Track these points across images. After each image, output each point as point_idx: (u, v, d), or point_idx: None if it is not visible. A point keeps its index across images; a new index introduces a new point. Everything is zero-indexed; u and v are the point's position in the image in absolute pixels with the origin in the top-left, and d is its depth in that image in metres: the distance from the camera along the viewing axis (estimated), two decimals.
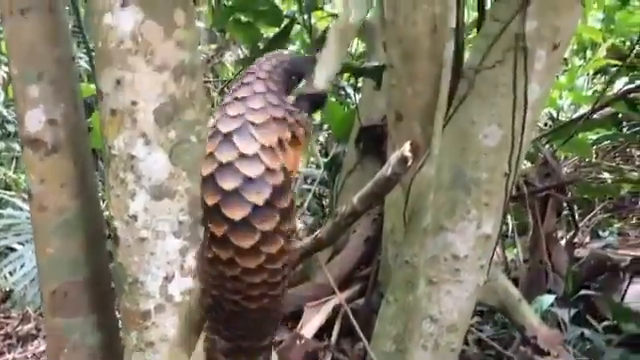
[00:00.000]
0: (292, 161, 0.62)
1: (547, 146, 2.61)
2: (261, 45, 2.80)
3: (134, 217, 1.21)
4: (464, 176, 1.16)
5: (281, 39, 2.72)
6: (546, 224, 2.24)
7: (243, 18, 2.79)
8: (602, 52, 4.18)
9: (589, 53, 4.63)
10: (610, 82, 3.36)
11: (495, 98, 1.13)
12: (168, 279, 1.22)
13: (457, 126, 1.17)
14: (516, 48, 1.09)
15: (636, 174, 3.52)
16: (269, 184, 0.58)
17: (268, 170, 0.58)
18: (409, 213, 1.21)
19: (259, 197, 0.57)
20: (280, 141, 0.60)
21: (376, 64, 1.51)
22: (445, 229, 1.16)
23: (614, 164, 4.11)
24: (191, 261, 1.23)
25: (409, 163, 0.70)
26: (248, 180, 0.58)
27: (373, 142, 1.72)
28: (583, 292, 1.97)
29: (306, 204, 1.95)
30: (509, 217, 2.42)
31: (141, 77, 1.19)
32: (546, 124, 4.41)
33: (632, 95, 2.80)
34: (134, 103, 1.19)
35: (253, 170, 0.57)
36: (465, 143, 1.16)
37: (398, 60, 1.26)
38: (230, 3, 3.42)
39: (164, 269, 1.22)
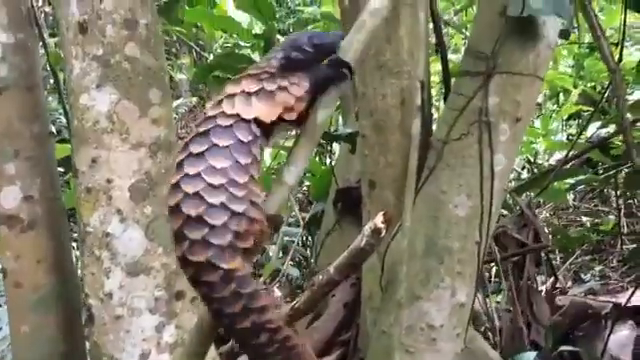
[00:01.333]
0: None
1: (524, 195, 2.67)
2: None
3: (109, 295, 1.20)
4: (437, 245, 1.19)
5: None
6: (525, 275, 2.26)
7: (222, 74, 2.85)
8: (574, 98, 4.31)
9: (562, 97, 4.77)
10: (583, 128, 3.46)
11: (463, 169, 1.17)
12: (144, 356, 1.21)
13: (428, 196, 1.20)
14: (480, 122, 1.14)
15: (613, 218, 3.57)
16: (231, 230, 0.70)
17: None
18: (385, 283, 1.22)
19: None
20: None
21: (350, 130, 1.56)
22: (420, 298, 1.18)
23: (592, 205, 4.18)
24: (168, 337, 1.23)
25: (382, 234, 0.73)
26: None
27: (350, 203, 1.74)
28: (564, 347, 1.98)
29: (288, 261, 1.95)
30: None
31: (116, 155, 1.21)
32: (524, 167, 4.49)
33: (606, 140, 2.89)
34: (109, 181, 1.21)
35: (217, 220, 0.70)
36: (437, 212, 1.19)
37: (370, 131, 1.30)
38: (210, 60, 3.51)
39: (140, 347, 1.21)
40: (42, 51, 1.73)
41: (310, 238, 2.06)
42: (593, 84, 4.40)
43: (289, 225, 2.19)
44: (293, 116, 0.75)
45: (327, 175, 1.95)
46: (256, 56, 2.98)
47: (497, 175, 1.17)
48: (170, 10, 4.64)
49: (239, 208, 0.70)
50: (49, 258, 1.37)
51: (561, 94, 4.69)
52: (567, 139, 4.70)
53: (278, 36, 2.84)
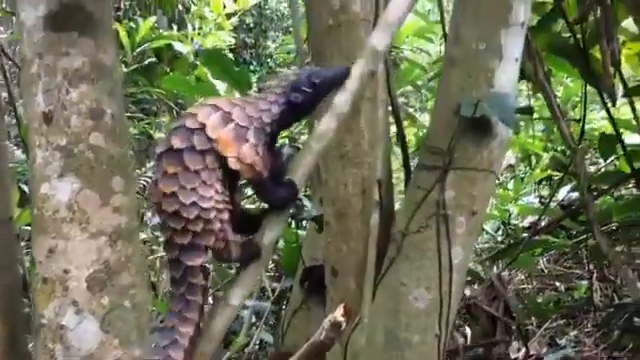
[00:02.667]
0: None
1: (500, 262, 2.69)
2: None
3: None
4: (397, 339, 1.18)
5: None
6: (498, 345, 2.25)
7: None
8: (545, 162, 4.41)
9: (534, 159, 4.88)
10: (553, 194, 3.54)
11: (422, 261, 1.18)
12: None
13: (389, 288, 1.21)
14: (438, 215, 1.16)
15: (585, 282, 3.60)
16: None
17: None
18: None
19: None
20: None
21: (316, 213, 1.58)
22: None
23: (566, 267, 4.21)
24: None
25: (342, 327, 0.73)
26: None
27: (317, 283, 1.74)
28: None
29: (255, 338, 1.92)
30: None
31: (75, 245, 1.20)
32: (499, 228, 4.53)
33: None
34: (66, 271, 1.19)
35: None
36: (397, 305, 1.19)
37: (332, 218, 1.31)
38: None
39: None
40: None
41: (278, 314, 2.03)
42: (563, 148, 4.53)
43: (259, 298, 2.17)
44: (235, 166, 0.80)
45: (298, 250, 1.96)
46: None
47: (455, 267, 1.18)
48: (151, 72, 4.72)
49: (190, 215, 0.79)
50: (1, 345, 1.33)
51: (533, 156, 4.82)
52: (539, 201, 4.79)
53: None
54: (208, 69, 2.97)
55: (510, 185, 4.74)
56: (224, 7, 5.31)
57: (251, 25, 5.99)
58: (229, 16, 5.40)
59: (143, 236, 4.17)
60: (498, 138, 1.21)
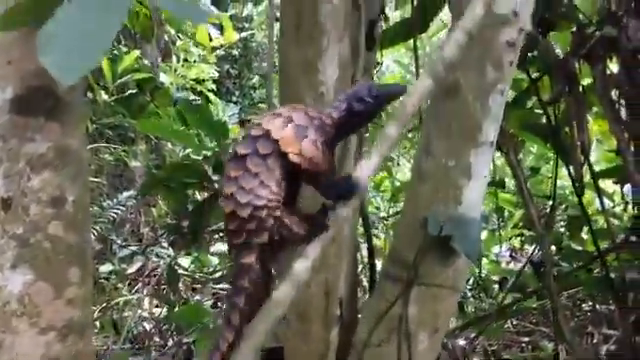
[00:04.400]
0: None
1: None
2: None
3: None
4: None
5: (208, 207, 2.77)
6: None
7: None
8: (517, 218, 4.47)
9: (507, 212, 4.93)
10: (525, 264, 3.58)
11: None
12: None
13: None
14: (399, 330, 1.16)
15: (551, 345, 3.62)
16: None
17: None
18: None
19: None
20: None
21: None
22: None
23: (533, 323, 4.24)
24: None
25: None
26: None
27: None
28: None
29: None
30: None
31: (23, 340, 1.16)
32: (468, 280, 4.55)
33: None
34: None
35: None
36: None
37: (294, 317, 1.30)
38: (160, 171, 3.51)
39: None
40: None
41: None
42: (536, 205, 4.59)
43: None
44: (296, 160, 0.82)
45: None
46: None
47: None
48: (132, 102, 4.67)
49: (244, 214, 0.81)
50: None
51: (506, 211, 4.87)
52: (510, 255, 4.83)
53: None
54: (187, 118, 2.97)
55: (483, 235, 4.78)
56: (210, 39, 5.32)
57: (236, 56, 6.01)
58: (214, 49, 5.41)
59: (110, 268, 4.10)
60: (464, 256, 1.21)
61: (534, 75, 2.35)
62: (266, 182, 0.82)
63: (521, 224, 4.27)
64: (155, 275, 3.93)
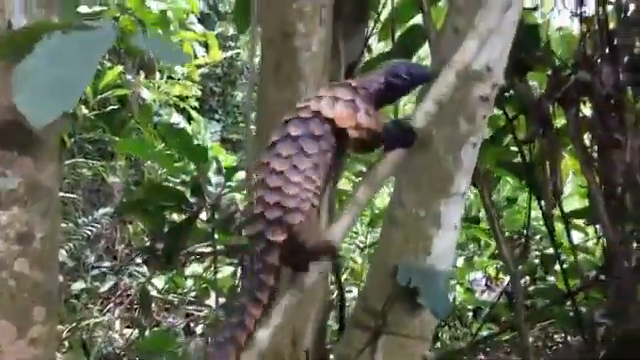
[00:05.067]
0: None
1: None
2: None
3: None
4: None
5: (184, 229, 2.75)
6: None
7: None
8: (493, 247, 4.51)
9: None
10: (498, 274, 3.61)
11: None
12: None
13: None
14: None
15: None
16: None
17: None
18: None
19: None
20: None
21: None
22: None
23: (506, 354, 4.26)
24: None
25: None
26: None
27: None
28: None
29: None
30: None
31: None
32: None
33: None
34: None
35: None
36: None
37: None
38: (138, 191, 3.48)
39: None
40: None
41: None
42: (510, 234, 4.66)
43: None
44: (355, 134, 0.85)
45: None
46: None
47: None
48: (113, 117, 4.64)
49: (290, 191, 0.82)
50: None
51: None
52: (486, 284, 4.87)
53: None
54: (167, 142, 2.95)
55: (460, 262, 4.81)
56: (195, 57, 5.32)
57: (220, 75, 6.01)
58: (199, 66, 5.42)
59: (82, 286, 4.03)
60: None
61: (511, 114, 2.41)
62: (318, 164, 0.85)
63: (497, 253, 4.32)
64: (128, 295, 3.87)
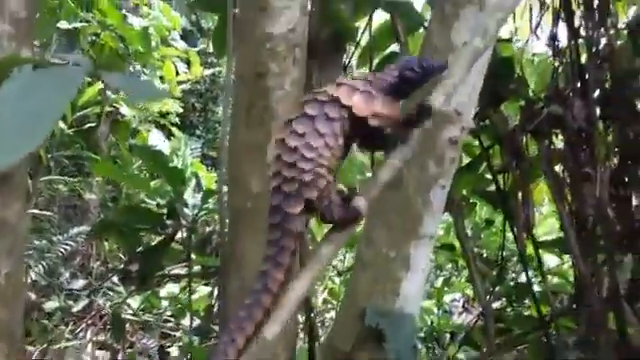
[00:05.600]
0: None
1: None
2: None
3: None
4: None
5: (160, 251, 2.72)
6: None
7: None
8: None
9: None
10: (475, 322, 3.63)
11: None
12: None
13: None
14: None
15: None
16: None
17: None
18: None
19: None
20: None
21: None
22: None
23: None
24: None
25: None
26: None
27: None
28: None
29: None
30: None
31: None
32: (421, 329, 4.57)
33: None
34: None
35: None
36: None
37: None
38: (114, 215, 3.45)
39: None
40: None
41: None
42: (487, 256, 4.70)
43: None
44: (375, 122, 0.89)
45: None
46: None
47: None
48: (89, 137, 4.59)
49: (306, 166, 0.87)
50: None
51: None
52: (463, 305, 4.89)
53: None
54: (143, 164, 2.93)
55: (438, 282, 4.83)
56: (177, 73, 5.31)
57: (202, 91, 6.00)
58: (180, 83, 5.40)
59: (55, 304, 3.96)
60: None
61: (487, 143, 2.44)
62: (330, 145, 0.88)
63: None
64: (102, 316, 3.81)
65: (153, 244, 2.94)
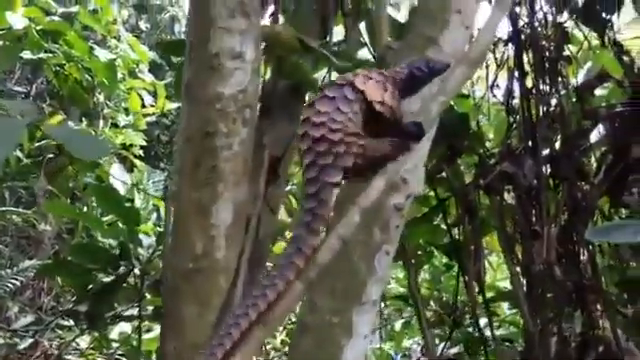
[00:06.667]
0: None
1: None
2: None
3: None
4: None
5: (111, 290, 2.65)
6: None
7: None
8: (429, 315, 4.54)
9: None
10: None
11: None
12: None
13: None
14: None
15: None
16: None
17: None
18: None
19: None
20: None
21: None
22: None
23: None
24: None
25: None
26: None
27: None
28: None
29: None
30: None
31: None
32: None
33: None
34: None
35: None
36: None
37: None
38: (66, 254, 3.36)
39: None
40: None
41: None
42: (447, 299, 4.72)
43: None
44: (380, 108, 0.98)
45: None
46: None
47: None
48: (41, 166, 4.49)
49: (335, 138, 0.94)
50: None
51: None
52: (421, 351, 4.88)
53: None
54: (97, 203, 2.87)
55: (397, 325, 4.81)
56: (143, 106, 5.27)
57: (168, 123, 5.96)
58: (146, 115, 5.37)
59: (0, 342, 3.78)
60: None
61: (442, 195, 2.48)
62: (353, 119, 0.96)
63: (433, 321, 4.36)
64: (48, 356, 3.66)
65: (104, 284, 2.86)
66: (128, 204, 2.63)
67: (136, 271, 2.64)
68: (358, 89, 0.96)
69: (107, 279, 2.84)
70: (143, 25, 5.99)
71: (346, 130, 0.93)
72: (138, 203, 4.50)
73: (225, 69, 1.30)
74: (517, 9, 2.45)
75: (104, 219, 3.67)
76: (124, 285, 2.68)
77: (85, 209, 4.64)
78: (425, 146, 1.34)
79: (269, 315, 0.85)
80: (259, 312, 0.85)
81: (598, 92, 2.65)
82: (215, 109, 1.29)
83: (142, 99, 5.28)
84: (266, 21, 2.35)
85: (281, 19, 2.24)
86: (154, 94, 5.49)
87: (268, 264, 1.52)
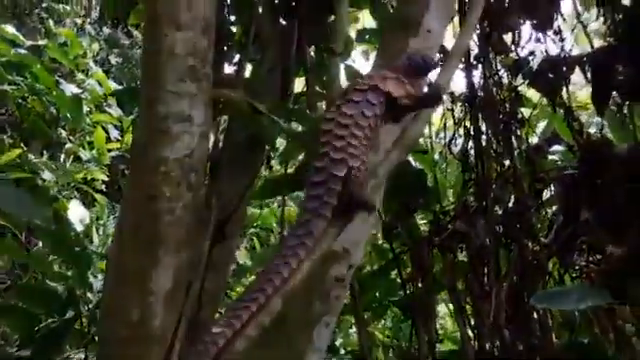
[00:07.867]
0: None
1: None
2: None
3: None
4: None
5: (57, 334, 2.55)
6: None
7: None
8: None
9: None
10: None
11: None
12: None
13: None
14: None
15: None
16: None
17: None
18: None
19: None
20: None
21: None
22: None
23: None
24: None
25: None
26: None
27: None
28: None
29: None
30: None
31: None
32: None
33: None
34: None
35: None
36: None
37: None
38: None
39: None
40: None
41: None
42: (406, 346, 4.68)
43: None
44: (404, 101, 1.13)
45: None
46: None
47: None
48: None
49: (353, 141, 1.08)
50: None
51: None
52: None
53: None
54: (46, 248, 2.79)
55: None
56: (108, 140, 5.21)
57: None
58: (111, 150, 5.30)
59: None
60: None
61: (397, 249, 2.49)
62: (372, 125, 1.09)
63: None
64: None
65: (52, 329, 2.76)
66: (79, 248, 2.55)
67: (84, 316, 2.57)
68: (382, 91, 1.11)
69: (54, 324, 2.75)
70: (114, 59, 5.97)
71: (365, 137, 1.06)
72: (96, 239, 4.39)
73: (172, 132, 1.30)
74: (473, 71, 2.53)
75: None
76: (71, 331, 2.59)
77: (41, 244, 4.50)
78: (369, 220, 1.35)
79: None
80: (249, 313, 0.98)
81: (555, 151, 2.72)
82: (160, 172, 1.28)
83: (108, 133, 5.23)
84: (230, 70, 2.37)
85: (249, 67, 2.27)
86: (121, 128, 5.44)
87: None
